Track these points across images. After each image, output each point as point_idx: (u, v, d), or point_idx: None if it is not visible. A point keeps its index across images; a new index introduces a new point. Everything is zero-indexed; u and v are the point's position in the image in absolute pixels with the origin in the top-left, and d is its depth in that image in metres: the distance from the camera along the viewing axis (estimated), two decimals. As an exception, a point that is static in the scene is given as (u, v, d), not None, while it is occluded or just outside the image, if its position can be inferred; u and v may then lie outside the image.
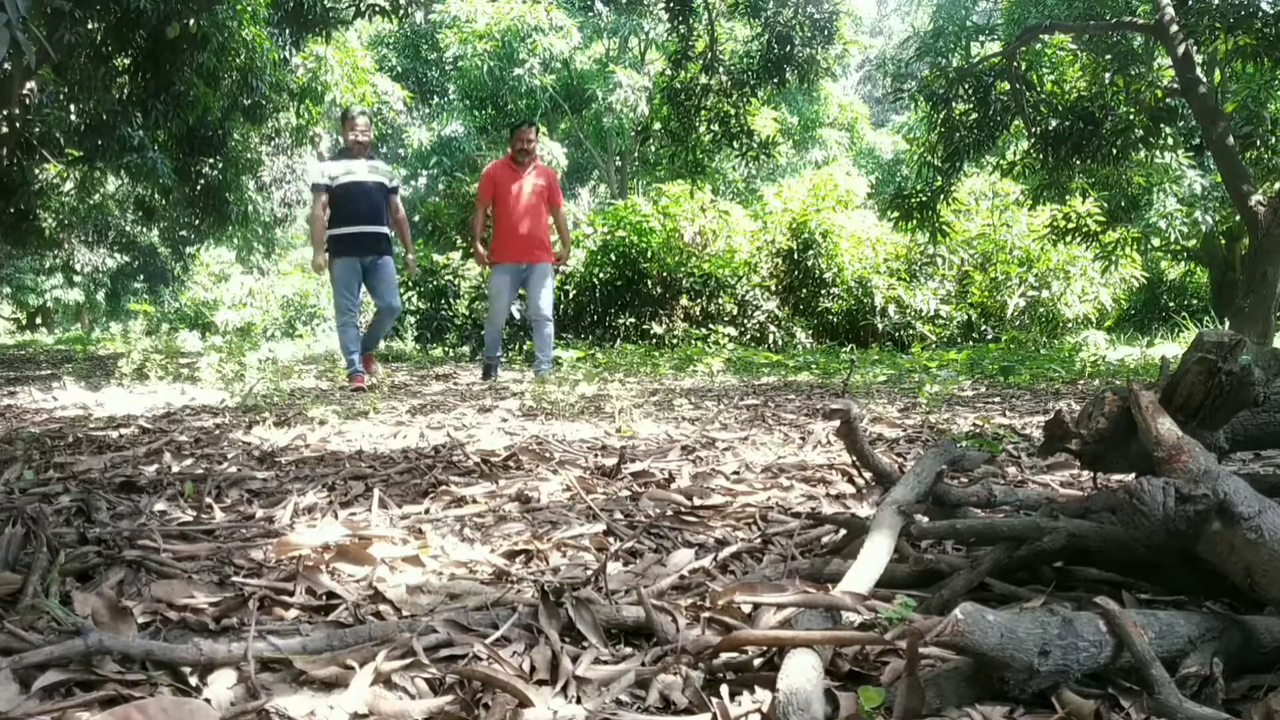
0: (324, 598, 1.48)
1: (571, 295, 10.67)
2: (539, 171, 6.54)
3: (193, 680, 1.13)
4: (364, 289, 6.12)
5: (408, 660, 1.18)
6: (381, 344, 11.44)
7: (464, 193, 12.06)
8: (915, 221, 9.59)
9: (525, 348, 9.72)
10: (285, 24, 9.68)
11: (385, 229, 5.99)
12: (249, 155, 12.15)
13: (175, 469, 2.59)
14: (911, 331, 11.37)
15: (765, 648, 1.17)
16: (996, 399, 5.02)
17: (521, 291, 6.59)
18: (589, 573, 1.60)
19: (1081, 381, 6.10)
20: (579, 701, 1.10)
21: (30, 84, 8.71)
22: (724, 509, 2.12)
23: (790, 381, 6.42)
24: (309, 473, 2.57)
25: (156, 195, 11.74)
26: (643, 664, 1.20)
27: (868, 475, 1.96)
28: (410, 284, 11.16)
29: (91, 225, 17.26)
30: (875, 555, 1.37)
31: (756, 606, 1.33)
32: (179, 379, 5.93)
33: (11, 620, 1.27)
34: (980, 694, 1.08)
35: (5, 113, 8.49)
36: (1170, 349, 10.47)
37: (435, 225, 12.21)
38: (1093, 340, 10.46)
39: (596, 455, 2.89)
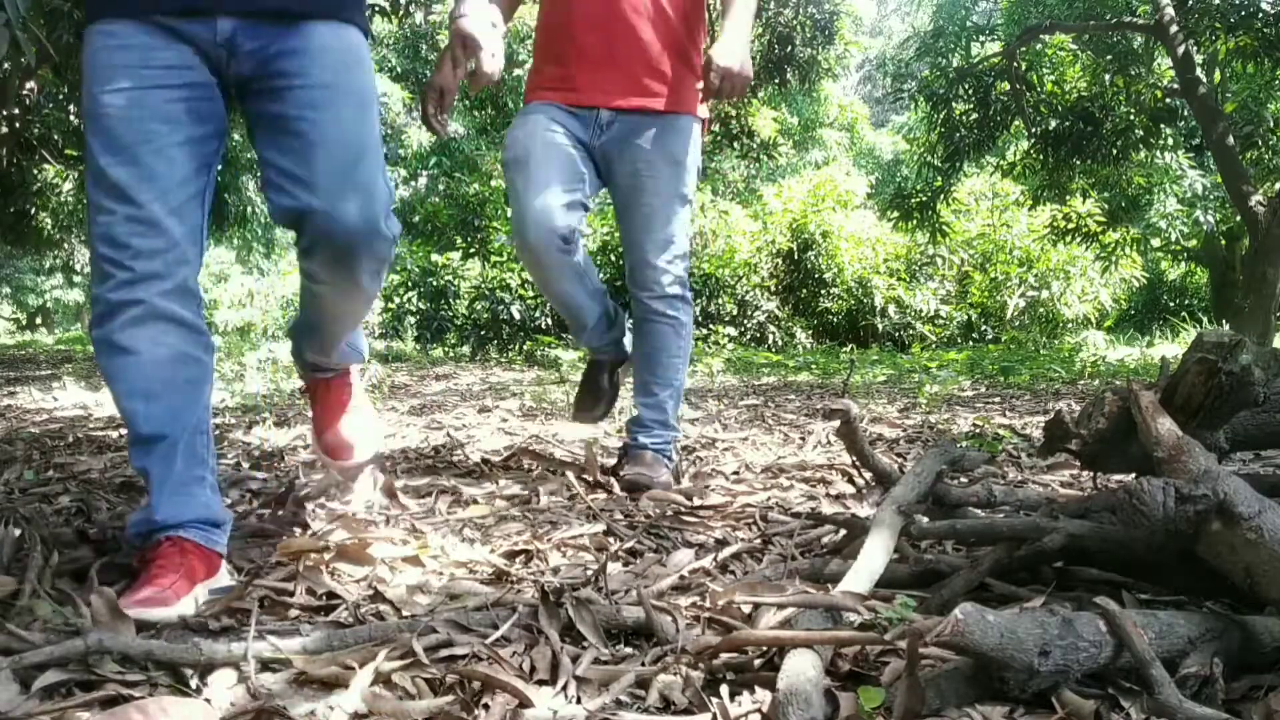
0: (324, 598, 1.48)
1: (571, 295, 10.62)
2: None
3: (193, 680, 1.12)
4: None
5: (408, 660, 1.18)
6: (380, 344, 11.02)
7: (463, 194, 12.03)
8: (915, 222, 9.60)
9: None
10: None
11: None
12: (249, 155, 12.14)
13: (175, 469, 2.58)
14: (911, 331, 11.37)
15: (765, 648, 1.17)
16: (996, 399, 5.02)
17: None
18: (589, 573, 1.60)
19: (1081, 381, 6.10)
20: (579, 701, 1.10)
21: (30, 84, 8.70)
22: (724, 509, 2.12)
23: (790, 381, 6.42)
24: (309, 473, 2.57)
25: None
26: (643, 664, 1.20)
27: (868, 475, 1.96)
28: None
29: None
30: (875, 555, 1.37)
31: (756, 606, 1.33)
32: (179, 379, 5.90)
33: (11, 620, 1.27)
34: (980, 694, 1.07)
35: (5, 113, 8.48)
36: (1170, 349, 10.47)
37: (435, 226, 12.13)
38: (1092, 340, 10.46)
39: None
